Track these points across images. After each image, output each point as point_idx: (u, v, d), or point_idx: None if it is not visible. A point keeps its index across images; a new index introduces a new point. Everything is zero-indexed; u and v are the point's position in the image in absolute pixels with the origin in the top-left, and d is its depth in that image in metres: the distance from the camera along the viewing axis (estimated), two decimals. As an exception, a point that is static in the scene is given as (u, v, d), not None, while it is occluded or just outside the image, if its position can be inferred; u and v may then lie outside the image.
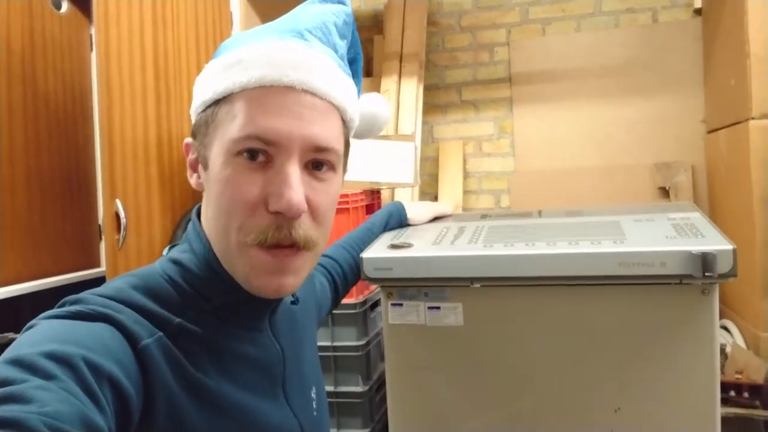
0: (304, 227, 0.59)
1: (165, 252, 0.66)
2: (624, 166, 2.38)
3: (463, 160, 2.57)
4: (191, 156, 0.65)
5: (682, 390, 1.00)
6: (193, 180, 0.65)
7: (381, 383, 1.76)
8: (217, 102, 0.60)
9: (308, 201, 0.59)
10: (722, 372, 1.55)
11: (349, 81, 0.66)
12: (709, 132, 2.27)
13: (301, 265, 0.61)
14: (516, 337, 1.09)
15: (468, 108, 2.60)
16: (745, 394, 1.48)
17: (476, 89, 2.59)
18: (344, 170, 0.69)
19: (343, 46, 0.69)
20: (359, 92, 0.74)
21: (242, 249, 0.58)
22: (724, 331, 1.89)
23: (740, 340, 1.81)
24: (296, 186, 0.57)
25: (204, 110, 0.62)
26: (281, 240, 0.58)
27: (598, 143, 2.43)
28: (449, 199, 2.43)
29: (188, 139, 0.66)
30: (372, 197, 1.83)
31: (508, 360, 1.10)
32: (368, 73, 2.70)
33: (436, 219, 1.42)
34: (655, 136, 2.36)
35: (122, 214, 1.65)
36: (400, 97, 2.43)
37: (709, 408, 0.99)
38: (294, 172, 0.57)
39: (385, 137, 1.86)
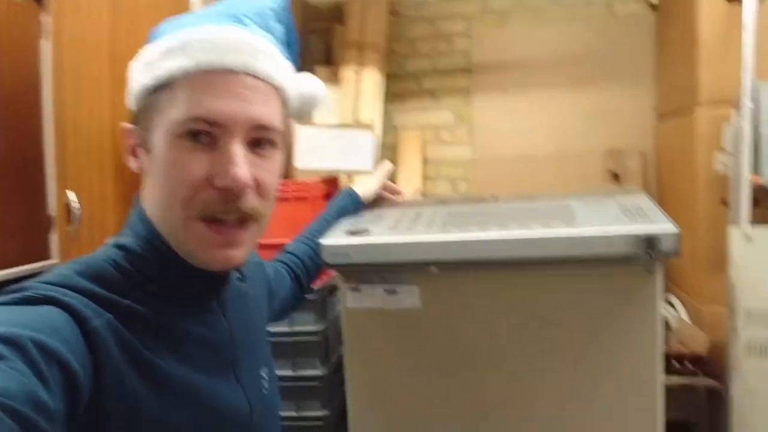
0: (251, 200, 0.61)
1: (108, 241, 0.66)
2: (577, 154, 2.44)
3: (422, 147, 2.59)
4: (131, 141, 0.66)
5: (629, 362, 1.04)
6: (133, 164, 0.67)
7: (339, 366, 1.77)
8: (159, 87, 0.61)
9: (253, 178, 0.61)
10: (667, 344, 1.62)
11: (287, 63, 0.68)
12: (660, 120, 2.34)
13: (248, 238, 0.63)
14: (472, 320, 1.12)
15: (427, 97, 2.62)
16: (688, 364, 1.56)
17: (435, 78, 2.61)
18: (285, 147, 0.71)
19: (280, 29, 0.71)
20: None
21: (188, 224, 0.60)
22: (669, 306, 1.97)
23: (684, 315, 1.89)
24: (241, 163, 0.59)
25: (145, 96, 0.62)
26: (227, 212, 0.60)
27: (553, 132, 2.48)
28: (408, 185, 2.44)
29: (126, 125, 0.66)
30: (331, 185, 1.84)
31: (464, 344, 1.12)
32: (327, 61, 2.68)
33: (390, 198, 1.42)
34: (608, 125, 2.43)
35: (75, 205, 1.61)
36: (360, 86, 2.43)
37: (652, 377, 1.04)
38: (238, 150, 0.59)
39: (344, 125, 1.86)
